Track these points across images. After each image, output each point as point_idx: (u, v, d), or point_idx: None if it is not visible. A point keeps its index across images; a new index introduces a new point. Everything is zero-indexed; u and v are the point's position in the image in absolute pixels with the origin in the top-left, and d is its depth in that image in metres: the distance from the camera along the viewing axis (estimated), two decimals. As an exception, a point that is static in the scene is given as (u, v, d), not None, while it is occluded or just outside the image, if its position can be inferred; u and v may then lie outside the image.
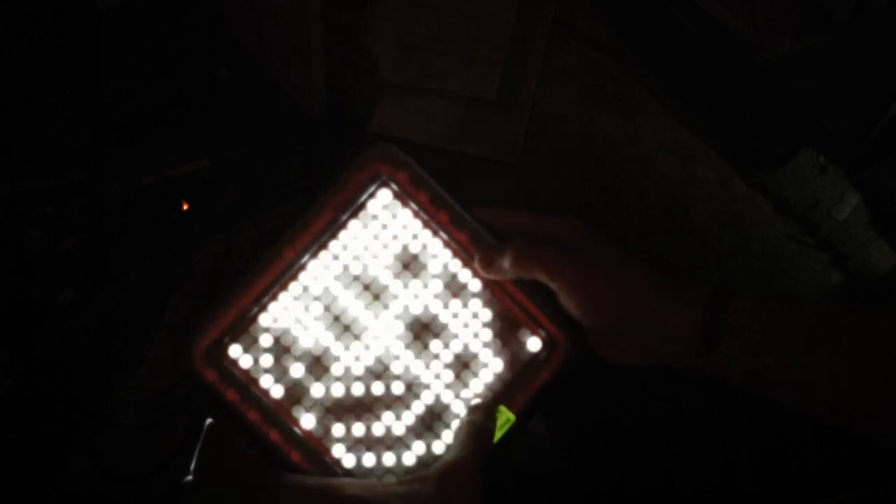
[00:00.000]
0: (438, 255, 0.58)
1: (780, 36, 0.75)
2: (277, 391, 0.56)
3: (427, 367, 0.57)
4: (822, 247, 0.74)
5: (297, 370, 0.57)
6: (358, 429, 0.56)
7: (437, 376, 0.57)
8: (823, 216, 0.73)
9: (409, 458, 0.56)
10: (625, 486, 0.71)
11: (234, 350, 0.56)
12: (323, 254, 0.58)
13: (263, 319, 0.57)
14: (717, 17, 0.75)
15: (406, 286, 0.58)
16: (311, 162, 0.76)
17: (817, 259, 0.74)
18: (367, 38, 0.78)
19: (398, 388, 0.57)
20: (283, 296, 0.57)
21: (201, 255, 0.72)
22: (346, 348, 0.57)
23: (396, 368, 0.57)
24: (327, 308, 0.57)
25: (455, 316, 0.58)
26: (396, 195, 0.58)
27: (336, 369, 0.57)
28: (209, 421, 0.69)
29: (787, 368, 0.51)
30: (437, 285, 0.58)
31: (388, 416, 0.57)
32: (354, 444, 0.56)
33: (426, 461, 0.56)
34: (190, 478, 0.69)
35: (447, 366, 0.57)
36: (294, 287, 0.57)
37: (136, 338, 0.71)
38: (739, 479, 0.71)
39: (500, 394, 0.57)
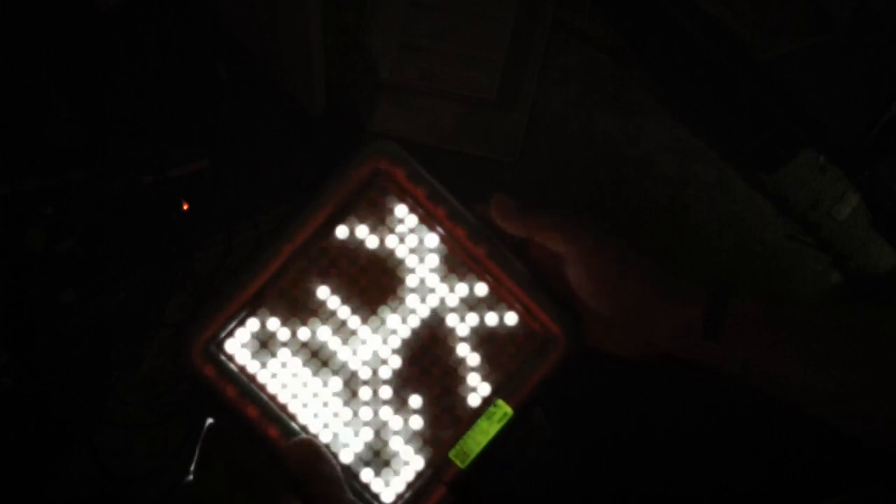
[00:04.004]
0: (436, 249, 0.58)
1: (780, 36, 0.75)
2: (275, 387, 0.56)
3: (424, 363, 0.57)
4: (822, 247, 0.74)
5: (295, 365, 0.57)
6: (355, 424, 0.57)
7: (434, 371, 0.57)
8: (823, 216, 0.73)
9: (406, 453, 0.56)
10: (627, 490, 0.71)
11: (232, 346, 0.56)
12: (321, 249, 0.58)
13: (261, 315, 0.57)
14: (717, 17, 0.75)
15: (403, 281, 0.58)
16: (311, 162, 0.76)
17: (817, 259, 0.74)
18: (367, 38, 0.78)
19: (395, 383, 0.57)
20: (281, 291, 0.57)
21: (201, 254, 0.72)
22: (344, 343, 0.57)
23: (393, 363, 0.57)
24: (324, 304, 0.57)
25: (452, 311, 0.58)
26: (394, 191, 0.58)
27: (333, 364, 0.57)
28: (209, 421, 0.69)
29: (785, 368, 0.51)
30: (434, 280, 0.58)
31: (385, 411, 0.57)
32: (353, 439, 0.56)
33: (425, 456, 0.56)
34: (190, 478, 0.69)
35: (444, 361, 0.58)
36: (291, 282, 0.57)
37: (136, 338, 0.71)
38: (740, 479, 0.71)
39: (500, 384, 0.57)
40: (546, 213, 0.55)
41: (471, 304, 0.58)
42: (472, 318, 0.58)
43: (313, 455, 0.54)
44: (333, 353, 0.57)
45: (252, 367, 0.56)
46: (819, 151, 0.73)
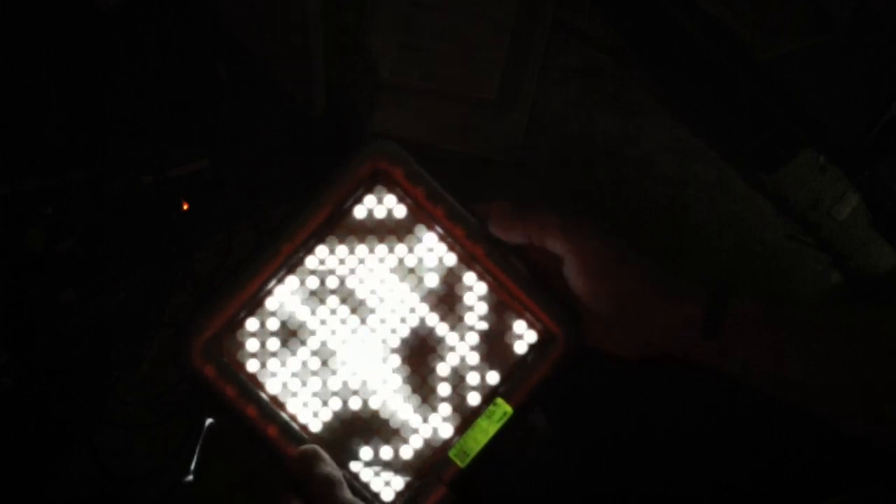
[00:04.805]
0: (434, 249, 0.58)
1: (780, 36, 0.75)
2: (275, 386, 0.56)
3: (424, 361, 0.58)
4: (822, 247, 0.74)
5: (294, 365, 0.57)
6: (356, 423, 0.57)
7: (434, 370, 0.57)
8: (823, 216, 0.73)
9: (406, 452, 0.56)
10: (627, 490, 0.71)
11: (232, 345, 0.56)
12: (320, 249, 0.58)
13: (261, 315, 0.57)
14: (717, 17, 0.75)
15: (402, 280, 0.58)
16: (311, 162, 0.76)
17: (817, 259, 0.74)
18: (367, 38, 0.78)
19: (395, 383, 0.57)
20: (280, 291, 0.57)
21: (201, 255, 0.72)
22: (343, 343, 0.57)
23: (393, 363, 0.57)
24: (324, 303, 0.57)
25: (451, 311, 0.58)
26: (393, 191, 0.58)
27: (333, 364, 0.57)
28: (209, 421, 0.69)
29: (785, 368, 0.51)
30: (433, 279, 0.58)
31: (384, 411, 0.57)
32: (353, 439, 0.56)
33: (424, 455, 0.56)
34: (190, 478, 0.69)
35: (443, 360, 0.58)
36: (291, 282, 0.57)
37: (136, 338, 0.71)
38: (740, 479, 0.71)
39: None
40: (544, 214, 0.55)
41: (469, 303, 0.58)
42: (471, 318, 0.58)
43: (313, 455, 0.54)
44: (333, 353, 0.57)
45: (252, 366, 0.56)
46: (819, 151, 0.73)
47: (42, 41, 0.71)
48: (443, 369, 0.57)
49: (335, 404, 0.57)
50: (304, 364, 0.57)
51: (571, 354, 0.57)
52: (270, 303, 0.57)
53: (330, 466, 0.54)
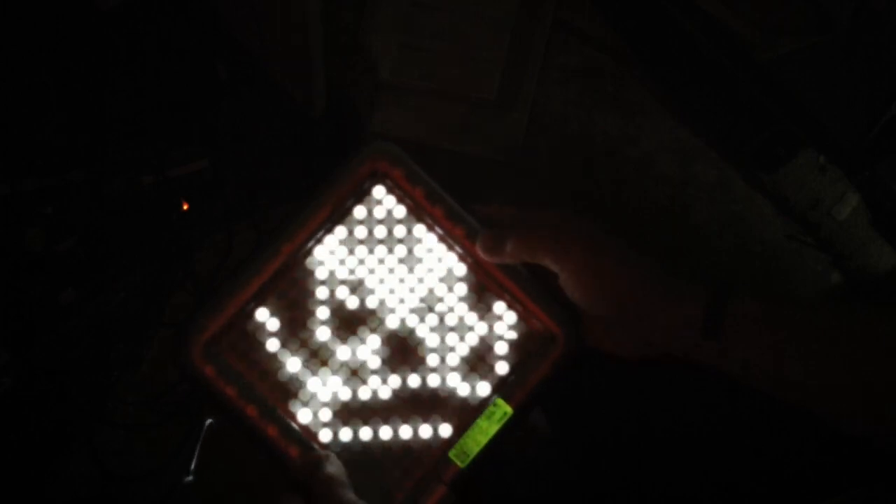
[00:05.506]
0: (434, 249, 0.58)
1: (780, 36, 0.75)
2: (275, 386, 0.56)
3: (424, 361, 0.58)
4: (822, 247, 0.74)
5: (294, 365, 0.57)
6: (354, 423, 0.57)
7: (434, 370, 0.57)
8: (823, 216, 0.73)
9: (406, 452, 0.56)
10: (627, 490, 0.71)
11: (232, 345, 0.56)
12: (319, 249, 0.58)
13: (261, 315, 0.57)
14: (717, 17, 0.75)
15: (402, 281, 0.58)
16: (311, 162, 0.76)
17: (817, 259, 0.74)
18: (367, 38, 0.78)
19: (395, 382, 0.57)
20: (280, 291, 0.57)
21: (201, 255, 0.72)
22: (343, 343, 0.57)
23: (392, 363, 0.57)
24: (323, 303, 0.57)
25: (451, 311, 0.58)
26: (392, 191, 0.58)
27: (332, 364, 0.57)
28: (209, 421, 0.69)
29: (785, 368, 0.51)
30: (433, 280, 0.58)
31: (384, 410, 0.57)
32: (351, 439, 0.56)
33: (424, 456, 0.56)
34: (190, 478, 0.69)
35: (443, 360, 0.58)
36: (291, 282, 0.57)
37: (136, 338, 0.71)
38: (740, 479, 0.71)
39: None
40: (534, 233, 0.55)
41: (470, 303, 0.58)
42: (472, 317, 0.58)
43: (315, 455, 0.54)
44: (332, 353, 0.57)
45: (251, 366, 0.56)
46: (819, 151, 0.73)
47: (42, 41, 0.71)
48: (442, 369, 0.57)
49: (335, 405, 0.57)
50: (305, 364, 0.57)
51: (571, 354, 0.57)
52: (271, 303, 0.57)
53: (334, 466, 0.54)
